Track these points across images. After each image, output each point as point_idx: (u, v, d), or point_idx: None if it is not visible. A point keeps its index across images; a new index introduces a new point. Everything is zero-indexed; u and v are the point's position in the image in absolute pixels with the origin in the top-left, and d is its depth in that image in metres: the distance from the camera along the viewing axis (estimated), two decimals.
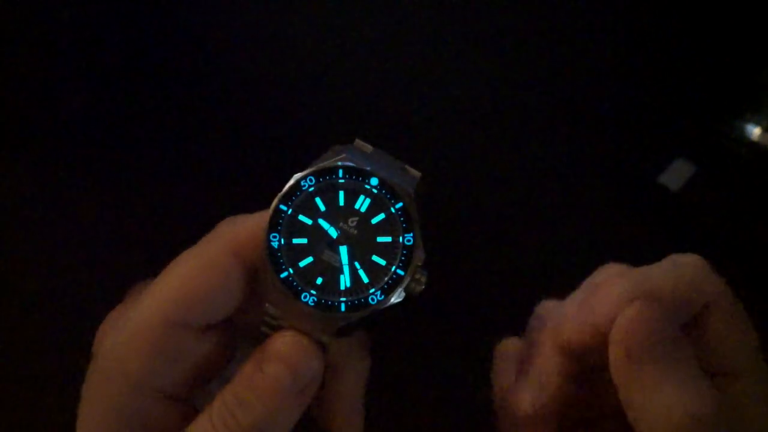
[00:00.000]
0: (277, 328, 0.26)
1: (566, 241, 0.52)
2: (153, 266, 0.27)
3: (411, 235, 0.25)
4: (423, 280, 0.25)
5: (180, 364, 0.26)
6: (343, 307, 0.25)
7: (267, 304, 0.26)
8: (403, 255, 0.25)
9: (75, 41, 0.54)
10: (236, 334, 0.28)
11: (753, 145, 0.51)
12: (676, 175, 0.52)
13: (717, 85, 0.53)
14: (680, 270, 0.27)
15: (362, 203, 0.26)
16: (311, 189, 0.26)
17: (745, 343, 0.27)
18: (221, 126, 0.54)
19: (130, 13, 0.54)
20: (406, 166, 0.27)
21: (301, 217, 0.26)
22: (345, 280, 0.25)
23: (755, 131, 0.50)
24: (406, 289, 0.25)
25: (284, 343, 0.25)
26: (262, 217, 0.26)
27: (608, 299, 0.26)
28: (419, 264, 0.25)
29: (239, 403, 0.24)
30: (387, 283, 0.25)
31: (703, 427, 0.23)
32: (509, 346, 0.35)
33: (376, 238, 0.26)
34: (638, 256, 0.31)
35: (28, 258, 0.52)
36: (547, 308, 0.33)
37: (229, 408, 0.24)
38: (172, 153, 0.53)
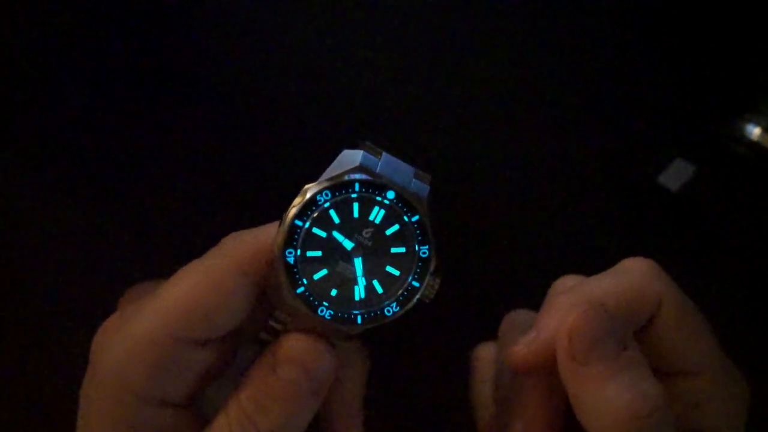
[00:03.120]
0: (279, 333, 0.26)
1: (565, 241, 0.52)
2: (153, 269, 0.27)
3: (426, 247, 0.25)
4: (436, 286, 0.25)
5: (184, 375, 0.26)
6: (359, 320, 0.25)
7: (278, 312, 0.25)
8: (418, 267, 0.25)
9: (75, 40, 0.54)
10: (238, 340, 0.28)
11: (753, 145, 0.50)
12: (676, 175, 0.52)
13: (717, 85, 0.53)
14: (626, 276, 0.27)
15: (376, 214, 0.26)
16: (326, 204, 0.26)
17: (699, 341, 0.27)
18: (225, 127, 0.54)
19: (135, 13, 0.54)
20: (418, 171, 0.27)
21: (316, 230, 0.26)
22: (359, 292, 0.25)
23: (755, 131, 0.50)
24: (419, 297, 0.25)
25: (295, 346, 0.25)
26: (268, 231, 0.26)
27: (555, 314, 0.26)
28: (432, 271, 0.25)
29: (257, 408, 0.24)
30: (402, 294, 0.25)
31: (644, 423, 0.24)
32: (484, 352, 0.35)
33: (390, 249, 0.26)
34: (638, 255, 0.31)
35: (26, 258, 0.52)
36: (514, 318, 0.33)
37: (247, 414, 0.24)
38: (174, 155, 0.53)
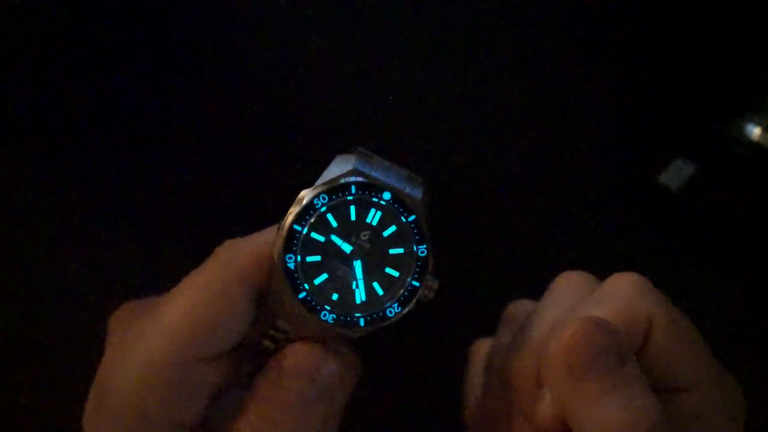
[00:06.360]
0: (282, 341, 0.26)
1: (564, 241, 0.52)
2: (154, 266, 0.27)
3: (424, 246, 0.26)
4: (434, 286, 0.26)
5: (197, 395, 0.26)
6: (362, 322, 0.25)
7: (279, 320, 0.26)
8: (417, 266, 0.26)
9: (76, 39, 0.54)
10: (241, 351, 0.28)
11: (753, 145, 0.50)
12: (676, 175, 0.52)
13: (717, 85, 0.53)
14: (613, 302, 0.27)
15: (373, 216, 0.26)
16: (323, 208, 0.26)
17: (692, 356, 0.27)
18: (224, 127, 0.54)
19: (136, 12, 0.54)
20: (411, 173, 0.27)
21: (314, 235, 0.26)
22: (360, 294, 0.26)
23: (755, 131, 0.50)
24: (419, 297, 0.26)
25: (299, 356, 0.25)
26: (263, 237, 0.26)
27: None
28: (430, 271, 0.26)
29: (268, 422, 0.24)
30: (403, 294, 0.26)
31: None
32: (482, 348, 0.35)
33: (388, 251, 0.26)
34: (638, 256, 0.31)
35: (27, 256, 0.52)
36: (516, 310, 0.33)
37: (258, 430, 0.24)
38: (174, 154, 0.53)
